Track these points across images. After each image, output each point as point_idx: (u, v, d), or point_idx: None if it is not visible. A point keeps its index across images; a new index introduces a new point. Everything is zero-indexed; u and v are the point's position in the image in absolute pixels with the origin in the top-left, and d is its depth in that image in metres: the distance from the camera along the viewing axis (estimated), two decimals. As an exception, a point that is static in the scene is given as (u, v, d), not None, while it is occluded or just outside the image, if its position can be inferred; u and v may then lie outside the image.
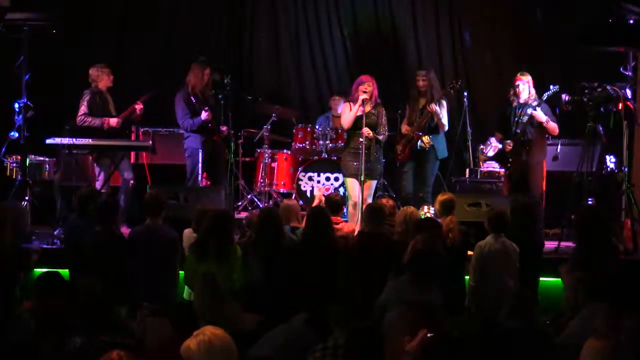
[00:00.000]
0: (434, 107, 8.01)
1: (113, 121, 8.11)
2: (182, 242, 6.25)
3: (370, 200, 7.54)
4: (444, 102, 8.13)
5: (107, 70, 8.21)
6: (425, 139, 8.07)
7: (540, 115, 7.78)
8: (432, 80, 8.19)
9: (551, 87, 7.79)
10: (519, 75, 7.97)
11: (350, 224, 7.18)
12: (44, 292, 4.46)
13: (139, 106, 8.25)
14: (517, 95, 7.95)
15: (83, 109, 8.07)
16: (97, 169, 8.11)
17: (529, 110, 7.81)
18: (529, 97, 7.92)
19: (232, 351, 3.29)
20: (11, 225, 5.83)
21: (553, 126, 7.89)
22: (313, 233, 5.94)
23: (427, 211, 7.40)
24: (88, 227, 6.09)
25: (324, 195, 7.77)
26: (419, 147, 8.11)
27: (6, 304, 5.21)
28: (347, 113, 7.86)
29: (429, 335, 3.66)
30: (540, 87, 8.00)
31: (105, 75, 8.20)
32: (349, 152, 7.88)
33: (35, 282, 4.73)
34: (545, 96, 7.82)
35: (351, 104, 7.82)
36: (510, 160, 8.08)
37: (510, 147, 8.00)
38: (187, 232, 6.33)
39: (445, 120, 8.14)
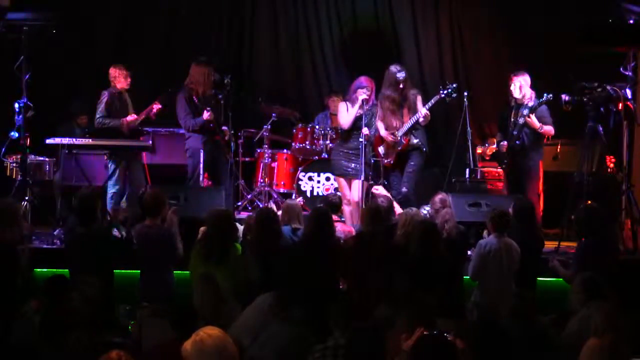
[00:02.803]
0: (425, 117, 7.81)
1: (130, 118, 8.14)
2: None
3: (357, 199, 7.63)
4: (419, 97, 7.91)
5: (125, 73, 8.19)
6: (415, 141, 7.95)
7: (534, 121, 7.74)
8: (408, 81, 7.98)
9: (545, 95, 7.76)
10: (511, 75, 7.96)
11: (348, 226, 7.18)
12: (51, 294, 4.46)
13: (156, 105, 8.28)
14: (510, 95, 7.96)
15: (100, 111, 8.07)
16: (111, 168, 8.10)
17: (525, 112, 7.80)
18: (523, 98, 7.89)
19: (229, 351, 3.28)
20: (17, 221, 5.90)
21: (548, 130, 7.85)
22: (314, 233, 5.94)
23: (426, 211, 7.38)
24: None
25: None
26: (411, 146, 7.99)
27: (9, 303, 5.21)
28: (344, 113, 7.85)
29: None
30: (540, 88, 8.02)
31: (122, 77, 8.19)
32: (341, 151, 7.91)
33: (43, 284, 4.73)
34: (536, 103, 7.77)
35: (349, 104, 7.82)
36: (506, 162, 8.09)
37: (505, 149, 7.99)
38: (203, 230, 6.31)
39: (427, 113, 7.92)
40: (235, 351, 3.32)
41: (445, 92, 7.86)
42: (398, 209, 7.03)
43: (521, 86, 7.87)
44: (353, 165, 7.78)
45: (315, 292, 5.38)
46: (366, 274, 5.67)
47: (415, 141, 7.92)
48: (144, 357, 4.06)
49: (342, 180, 7.93)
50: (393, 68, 7.92)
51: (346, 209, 7.79)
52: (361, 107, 7.72)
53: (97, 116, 8.08)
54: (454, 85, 7.92)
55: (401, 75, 7.85)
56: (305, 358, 4.00)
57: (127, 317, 5.53)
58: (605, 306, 4.41)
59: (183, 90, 8.10)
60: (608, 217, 6.38)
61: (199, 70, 8.08)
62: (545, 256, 6.61)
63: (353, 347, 3.81)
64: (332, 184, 9.11)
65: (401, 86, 7.86)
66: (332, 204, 6.89)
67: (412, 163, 7.95)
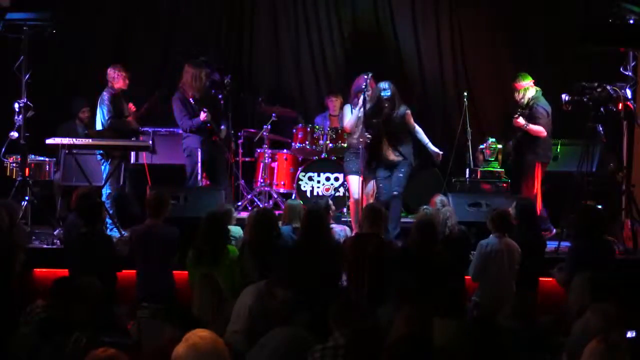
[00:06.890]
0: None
1: (133, 123, 8.18)
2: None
3: (357, 197, 7.64)
4: (408, 111, 7.71)
5: (124, 74, 8.18)
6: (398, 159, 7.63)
7: (520, 121, 7.76)
8: (394, 100, 7.66)
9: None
10: (515, 82, 7.98)
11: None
12: (56, 297, 4.46)
13: (145, 106, 8.30)
14: (517, 101, 8.03)
15: (109, 111, 8.02)
16: (106, 168, 8.09)
17: (526, 112, 7.83)
18: (529, 100, 7.94)
19: (222, 352, 3.25)
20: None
21: (536, 129, 7.83)
22: (307, 233, 5.93)
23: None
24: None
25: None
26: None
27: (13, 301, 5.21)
28: (349, 116, 7.87)
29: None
30: (540, 88, 8.04)
31: (122, 78, 8.17)
32: (350, 152, 7.94)
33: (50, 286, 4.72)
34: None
35: (353, 107, 7.85)
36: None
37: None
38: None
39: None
40: (227, 352, 3.28)
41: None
42: None
43: (526, 92, 7.94)
44: (362, 164, 7.80)
45: (314, 291, 5.38)
46: (366, 274, 5.67)
47: (397, 159, 7.64)
48: (143, 357, 4.05)
49: (354, 177, 7.84)
50: (380, 85, 7.63)
51: (352, 205, 7.81)
52: (362, 108, 7.73)
53: (107, 117, 8.03)
54: None
55: (385, 93, 7.54)
56: (305, 358, 3.99)
57: (126, 317, 5.53)
58: (604, 307, 4.40)
59: (179, 91, 8.11)
60: (604, 218, 6.37)
61: (188, 72, 8.10)
62: (547, 256, 6.61)
63: (353, 347, 3.81)
64: (332, 184, 9.11)
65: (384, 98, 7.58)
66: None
67: (402, 170, 7.64)
